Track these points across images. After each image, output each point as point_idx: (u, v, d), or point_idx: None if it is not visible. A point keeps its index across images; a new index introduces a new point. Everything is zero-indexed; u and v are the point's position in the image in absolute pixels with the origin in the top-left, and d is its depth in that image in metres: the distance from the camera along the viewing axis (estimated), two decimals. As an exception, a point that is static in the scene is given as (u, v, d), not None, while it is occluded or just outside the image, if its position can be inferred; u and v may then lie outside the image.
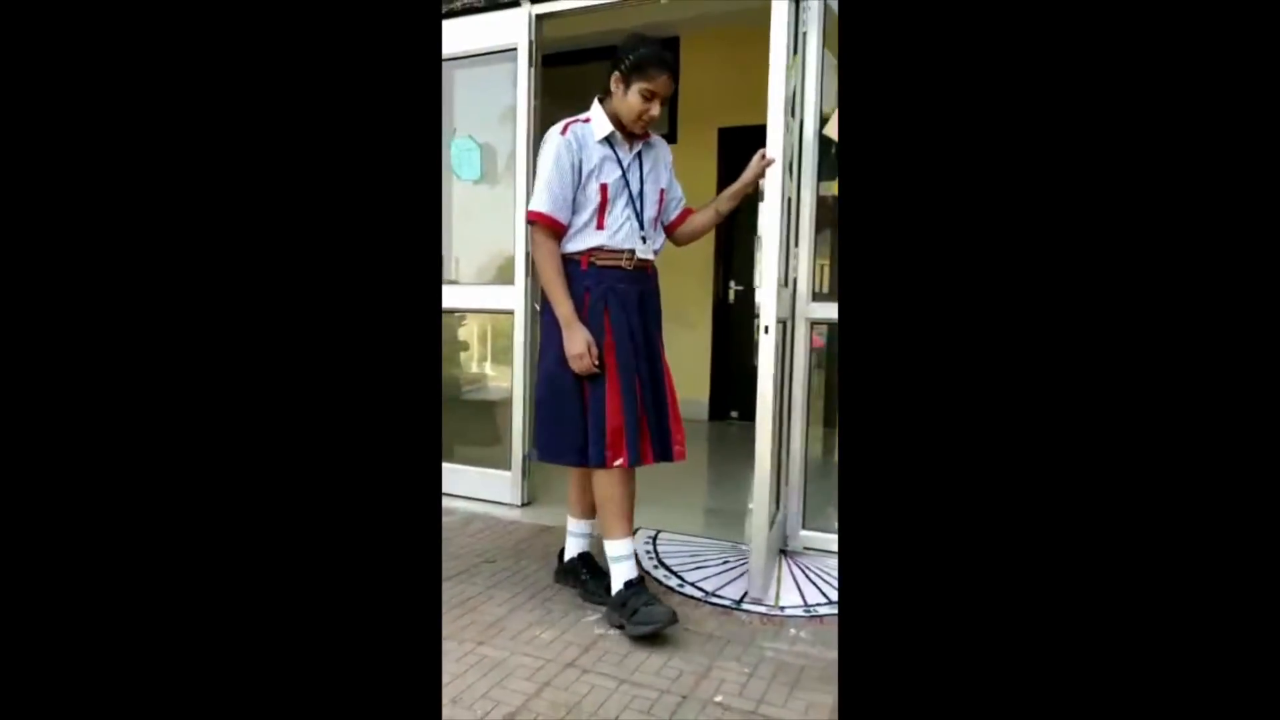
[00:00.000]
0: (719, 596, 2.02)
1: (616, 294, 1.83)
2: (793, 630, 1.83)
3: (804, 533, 2.38)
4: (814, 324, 2.37)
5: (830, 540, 2.33)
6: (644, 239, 1.90)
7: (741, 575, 2.17)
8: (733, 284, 4.66)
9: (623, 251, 1.85)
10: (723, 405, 4.68)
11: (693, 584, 2.10)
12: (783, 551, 2.36)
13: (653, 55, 1.78)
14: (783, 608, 1.96)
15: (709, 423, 4.62)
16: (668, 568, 2.22)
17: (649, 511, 2.72)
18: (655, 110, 1.80)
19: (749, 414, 4.56)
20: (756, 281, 4.60)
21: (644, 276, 1.92)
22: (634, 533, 2.25)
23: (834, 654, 1.70)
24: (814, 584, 2.12)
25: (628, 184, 1.85)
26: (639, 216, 1.87)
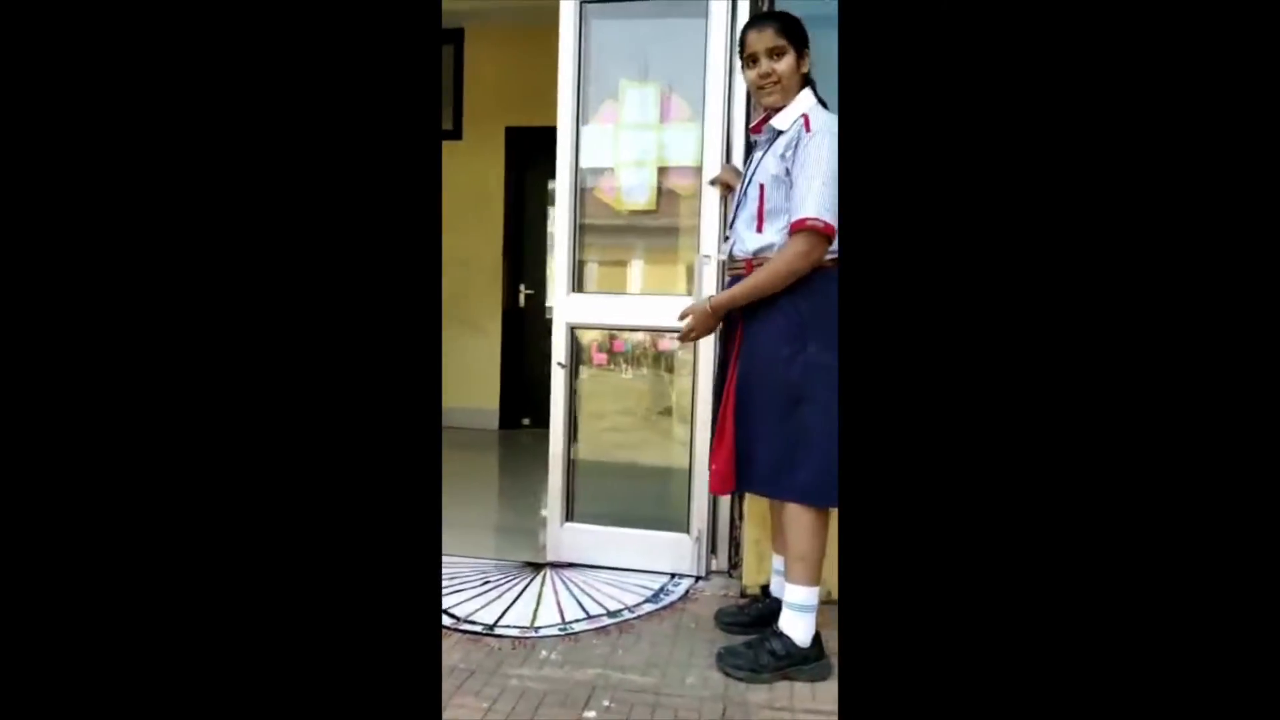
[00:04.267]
0: (470, 622, 1.89)
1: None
2: (544, 652, 1.74)
3: (569, 525, 2.29)
4: (574, 327, 2.30)
5: (593, 530, 2.27)
6: (726, 237, 1.84)
7: (500, 595, 2.05)
8: (523, 288, 4.55)
9: (724, 263, 1.85)
10: (514, 413, 4.54)
11: (446, 611, 1.95)
12: (545, 565, 2.28)
13: (746, 25, 1.76)
14: (537, 628, 1.86)
15: (499, 431, 4.46)
16: (420, 594, 2.05)
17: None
18: (763, 68, 1.66)
19: (541, 421, 4.50)
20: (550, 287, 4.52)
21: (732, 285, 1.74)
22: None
23: (581, 674, 1.64)
24: (573, 598, 2.05)
25: (743, 179, 1.80)
26: (736, 215, 1.78)
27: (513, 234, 4.52)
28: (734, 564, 2.22)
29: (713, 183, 2.12)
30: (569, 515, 2.32)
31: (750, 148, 2.06)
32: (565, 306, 2.28)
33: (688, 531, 2.21)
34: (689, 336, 1.78)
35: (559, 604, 2.00)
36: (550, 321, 4.48)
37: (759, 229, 1.69)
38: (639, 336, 2.36)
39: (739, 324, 1.71)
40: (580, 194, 2.28)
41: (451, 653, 1.72)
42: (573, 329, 2.30)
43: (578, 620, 1.91)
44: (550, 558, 2.30)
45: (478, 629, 1.85)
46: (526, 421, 4.54)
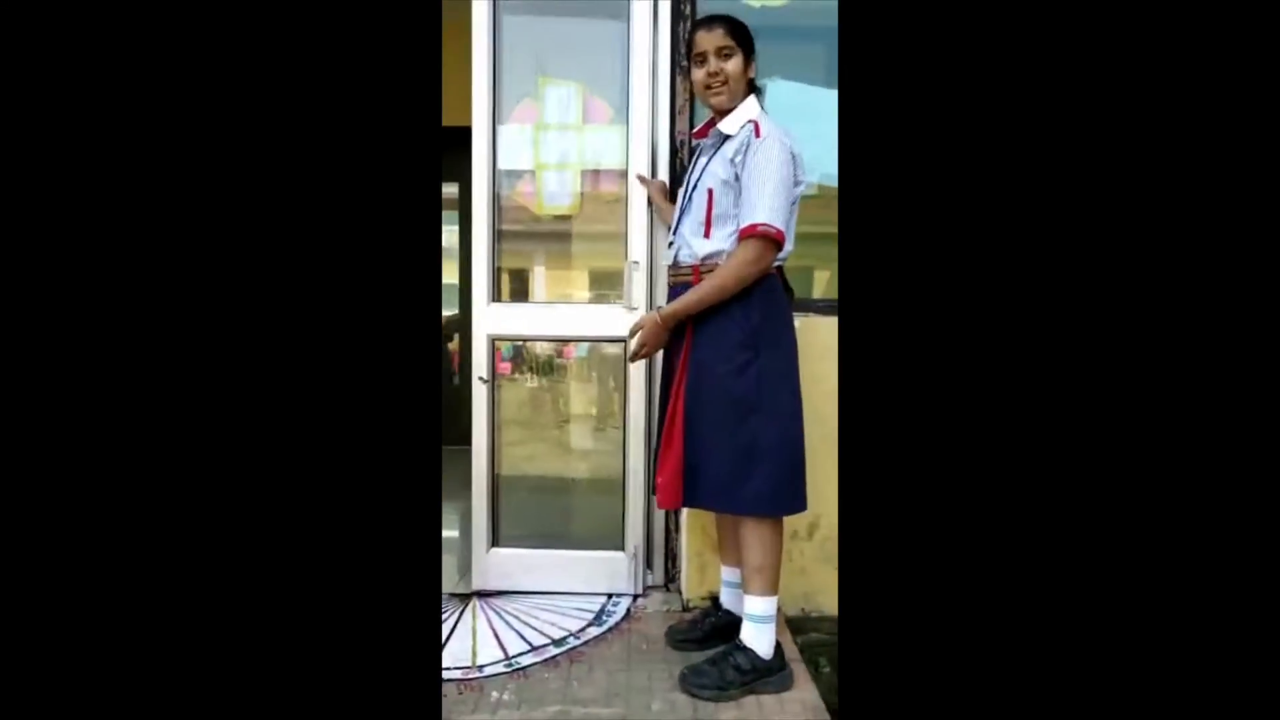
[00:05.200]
0: (404, 668, 1.71)
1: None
2: (494, 694, 1.60)
3: (495, 550, 2.15)
4: (496, 340, 2.16)
5: (521, 555, 2.14)
6: (670, 243, 1.77)
7: (430, 634, 1.88)
8: (405, 296, 4.27)
9: (669, 268, 1.79)
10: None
11: (371, 657, 1.75)
12: (472, 595, 2.12)
13: (695, 25, 1.72)
14: (481, 667, 1.72)
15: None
16: (338, 641, 1.83)
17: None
18: (711, 66, 1.64)
19: (447, 438, 4.26)
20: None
21: (676, 295, 1.70)
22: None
23: (539, 713, 1.52)
24: (512, 629, 1.92)
25: (686, 186, 1.75)
26: (679, 221, 1.74)
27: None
28: (671, 578, 2.17)
29: (641, 180, 2.05)
30: (495, 540, 2.17)
31: (690, 153, 2.03)
32: (485, 317, 2.14)
33: (623, 548, 2.14)
34: (640, 354, 1.71)
35: (498, 637, 1.87)
36: (450, 331, 4.33)
37: (706, 234, 1.65)
38: (570, 347, 2.25)
39: (686, 333, 1.67)
40: (497, 198, 2.14)
41: (390, 705, 1.54)
42: (494, 341, 2.15)
43: (522, 653, 1.78)
44: (477, 585, 2.15)
45: (414, 675, 1.68)
46: (413, 438, 4.27)
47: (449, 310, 4.34)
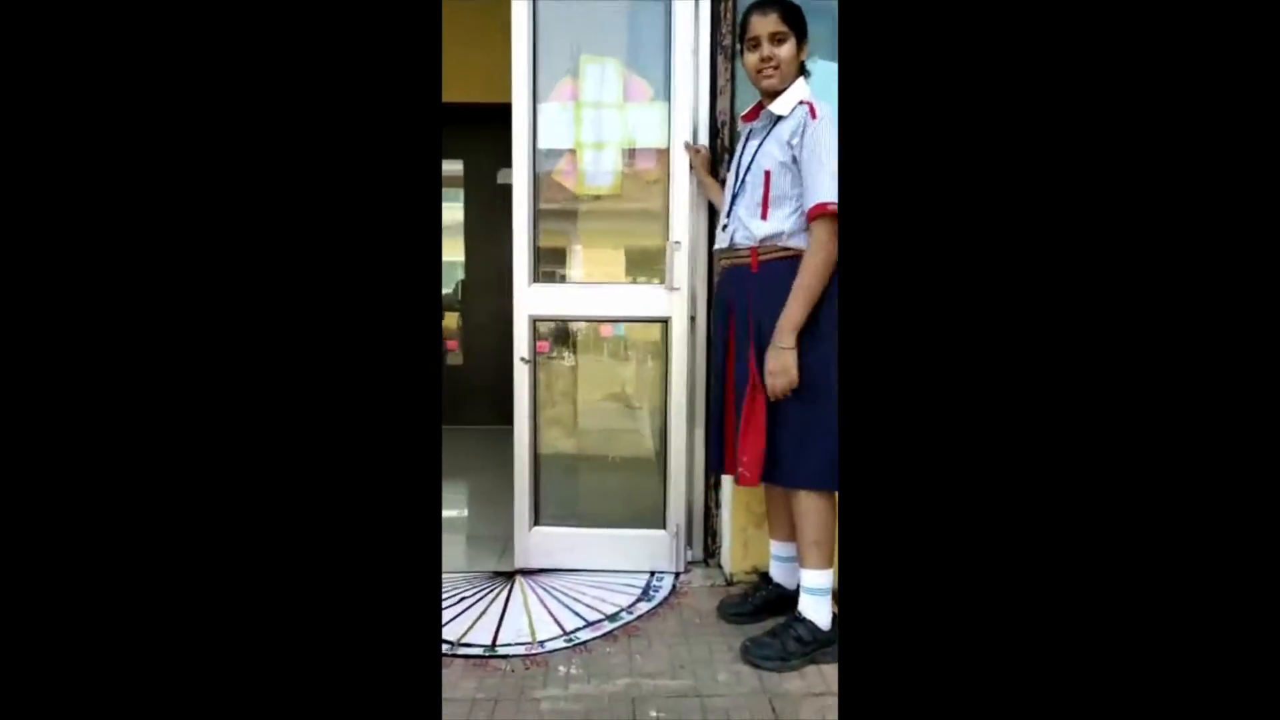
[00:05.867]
0: (467, 645, 1.73)
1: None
2: (561, 668, 1.63)
3: (537, 529, 2.17)
4: (537, 320, 2.16)
5: (563, 533, 2.16)
6: (723, 226, 1.77)
7: (484, 611, 1.90)
8: (410, 276, 4.23)
9: (719, 251, 1.81)
10: (406, 410, 4.23)
11: (431, 635, 1.77)
12: (515, 573, 2.14)
13: (749, 8, 1.70)
14: (542, 642, 1.74)
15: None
16: (394, 620, 1.84)
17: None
18: (765, 51, 1.65)
19: (451, 418, 4.24)
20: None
21: (732, 277, 1.77)
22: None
23: (612, 686, 1.55)
24: (563, 605, 1.94)
25: (736, 168, 1.76)
26: (733, 203, 1.74)
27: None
28: (710, 553, 2.21)
29: (688, 147, 2.05)
30: (536, 519, 2.19)
31: (732, 134, 2.03)
32: (526, 298, 2.14)
33: (664, 526, 2.17)
34: (781, 389, 1.62)
35: (551, 614, 1.89)
36: (445, 304, 4.29)
37: (764, 215, 1.67)
38: (606, 327, 2.26)
39: (748, 314, 1.69)
40: (537, 177, 2.13)
41: (462, 681, 1.56)
42: (535, 321, 2.15)
43: (579, 629, 1.81)
44: (519, 564, 2.16)
45: (478, 651, 1.70)
46: (421, 419, 4.25)
47: (446, 289, 4.31)
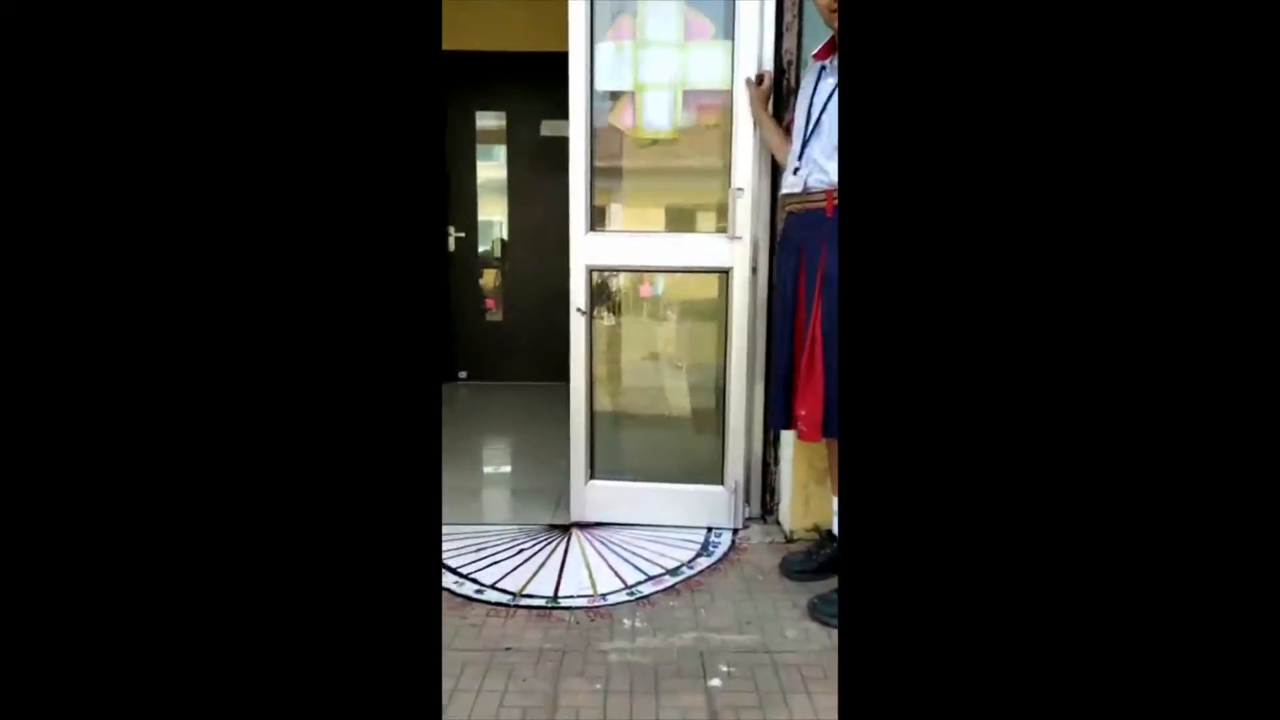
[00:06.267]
0: (529, 596, 1.72)
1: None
2: (625, 621, 1.61)
3: (593, 482, 2.14)
4: (593, 270, 2.11)
5: (619, 487, 2.13)
6: (795, 170, 1.70)
7: (543, 563, 1.88)
8: (452, 230, 4.19)
9: (789, 196, 1.75)
10: (449, 366, 4.23)
11: (492, 586, 1.76)
12: (570, 526, 2.12)
13: None
14: (604, 595, 1.73)
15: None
16: (453, 570, 1.84)
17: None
18: None
19: (480, 374, 4.25)
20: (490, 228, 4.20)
21: (803, 223, 1.70)
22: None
23: (679, 640, 1.53)
24: (622, 559, 1.92)
25: (808, 109, 1.68)
26: (806, 145, 1.67)
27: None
28: (768, 510, 2.17)
29: (748, 83, 1.94)
30: (592, 473, 2.16)
31: (799, 75, 1.93)
32: (583, 247, 2.08)
33: (721, 482, 2.13)
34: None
35: (610, 567, 1.87)
36: (484, 261, 4.26)
37: None
38: (645, 286, 2.20)
39: (819, 261, 1.61)
40: (593, 122, 2.05)
41: (526, 632, 1.55)
42: (591, 271, 2.10)
43: (640, 582, 1.79)
44: (575, 517, 2.15)
45: (541, 602, 1.68)
46: (464, 375, 4.25)
47: (484, 246, 4.26)
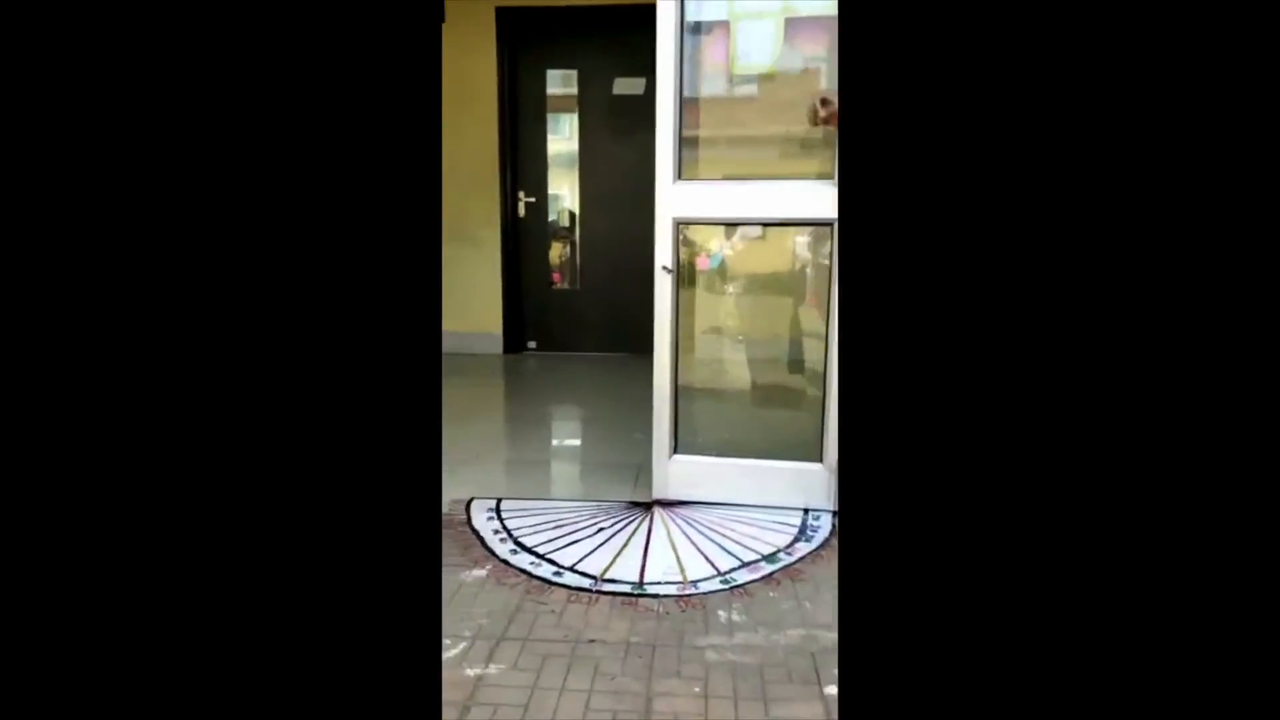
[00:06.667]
0: (612, 580, 1.55)
1: None
2: (722, 613, 1.43)
3: (677, 457, 1.96)
4: (681, 223, 1.90)
5: (705, 463, 1.94)
6: None
7: (626, 543, 1.72)
8: (522, 195, 4.04)
9: None
10: (517, 336, 4.11)
11: (571, 568, 1.60)
12: (651, 504, 1.95)
13: None
14: (695, 583, 1.55)
15: (504, 356, 4.03)
16: (529, 550, 1.69)
17: (466, 473, 2.16)
18: None
19: (549, 344, 4.12)
20: (555, 192, 4.05)
21: None
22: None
23: (784, 638, 1.34)
24: (711, 542, 1.74)
25: None
26: None
27: (508, 135, 3.97)
28: (872, 492, 1.95)
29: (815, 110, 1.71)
30: (676, 447, 1.98)
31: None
32: (670, 198, 1.87)
33: (820, 460, 1.91)
34: None
35: (699, 550, 1.69)
36: (551, 233, 4.11)
37: None
38: (703, 259, 1.98)
39: None
40: (683, 54, 1.84)
41: (612, 621, 1.39)
42: (680, 225, 1.90)
43: (735, 569, 1.60)
44: (656, 494, 1.97)
45: (626, 588, 1.52)
46: (533, 345, 4.12)
47: (554, 217, 4.10)
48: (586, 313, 4.08)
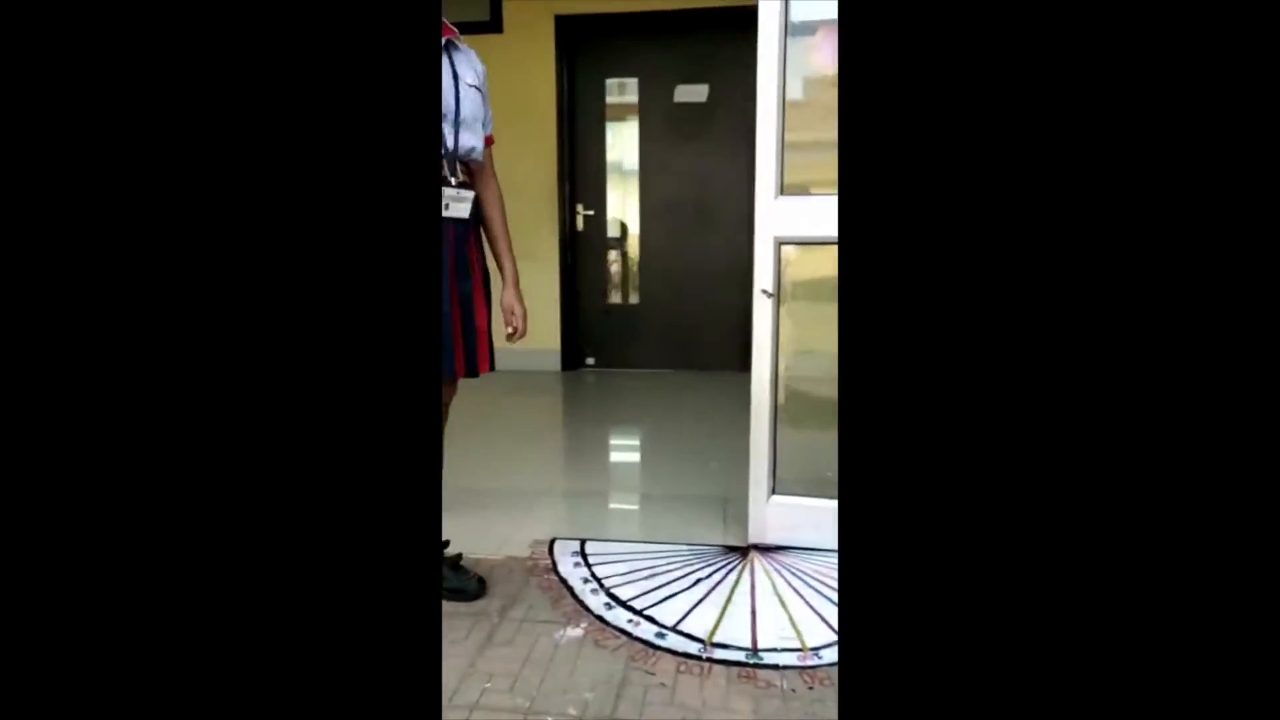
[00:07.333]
0: (723, 646, 1.39)
1: None
2: (855, 690, 1.25)
3: (775, 498, 1.80)
4: (783, 243, 1.74)
5: (807, 506, 1.77)
6: None
7: (729, 598, 1.55)
8: (580, 208, 3.92)
9: None
10: (575, 351, 3.98)
11: (674, 628, 1.44)
12: (749, 548, 1.78)
13: None
14: (817, 651, 1.38)
15: (563, 373, 3.90)
16: (625, 604, 1.54)
17: (542, 509, 2.02)
18: None
19: (607, 360, 3.98)
20: (612, 207, 3.92)
21: None
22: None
23: (934, 725, 1.16)
24: (823, 597, 1.56)
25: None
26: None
27: (567, 145, 3.86)
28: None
29: None
30: (774, 486, 1.81)
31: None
32: (771, 215, 1.71)
33: (936, 501, 1.73)
34: None
35: (816, 611, 1.52)
36: (609, 247, 3.97)
37: None
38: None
39: None
40: (786, 59, 1.68)
41: (732, 699, 1.22)
42: (781, 245, 1.73)
43: (857, 633, 1.43)
44: (753, 539, 1.81)
45: (739, 655, 1.35)
46: (591, 361, 3.99)
47: (614, 233, 3.97)
48: (645, 327, 3.94)
